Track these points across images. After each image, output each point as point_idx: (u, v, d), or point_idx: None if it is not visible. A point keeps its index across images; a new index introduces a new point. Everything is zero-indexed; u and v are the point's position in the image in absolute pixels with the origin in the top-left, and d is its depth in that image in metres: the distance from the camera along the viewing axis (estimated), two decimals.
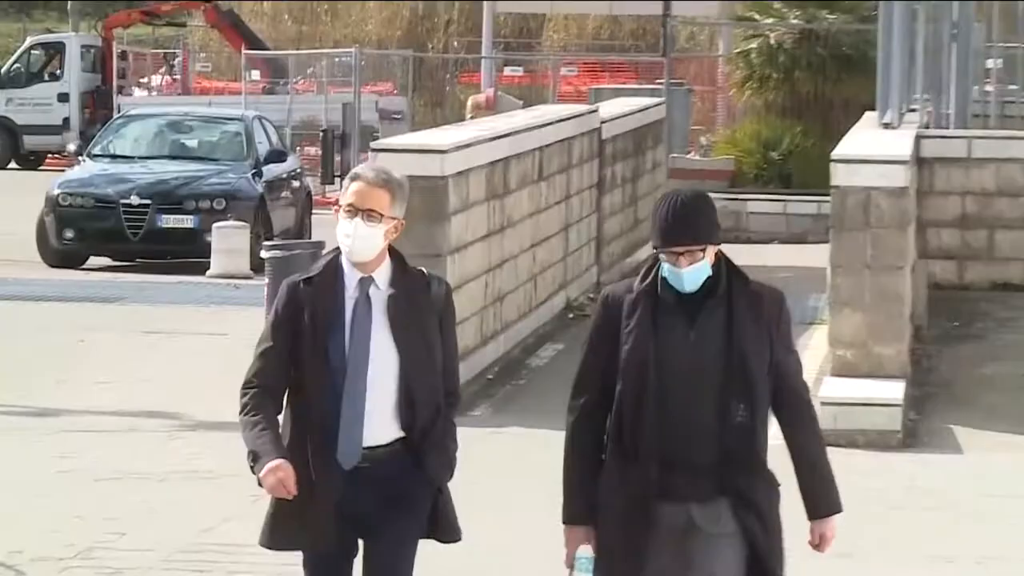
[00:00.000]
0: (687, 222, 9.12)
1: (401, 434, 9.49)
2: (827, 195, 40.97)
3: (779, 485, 9.30)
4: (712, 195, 32.41)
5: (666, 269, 9.17)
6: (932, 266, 26.01)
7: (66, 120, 63.20)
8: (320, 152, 47.84)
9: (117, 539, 15.76)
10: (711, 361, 9.17)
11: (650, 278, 9.27)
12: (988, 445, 20.70)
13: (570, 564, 9.19)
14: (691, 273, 9.13)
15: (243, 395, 9.54)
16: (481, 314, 25.15)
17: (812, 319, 30.30)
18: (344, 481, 9.40)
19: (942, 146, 27.47)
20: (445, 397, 9.84)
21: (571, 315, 30.03)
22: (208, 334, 28.20)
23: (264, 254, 27.21)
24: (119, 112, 54.58)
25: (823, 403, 20.55)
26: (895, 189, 22.77)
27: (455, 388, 10.01)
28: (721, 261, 9.37)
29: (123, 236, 38.58)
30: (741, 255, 39.00)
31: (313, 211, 43.07)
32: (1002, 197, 27.33)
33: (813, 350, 25.73)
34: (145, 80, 64.25)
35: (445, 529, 9.56)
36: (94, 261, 38.66)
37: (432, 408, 9.64)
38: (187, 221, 38.23)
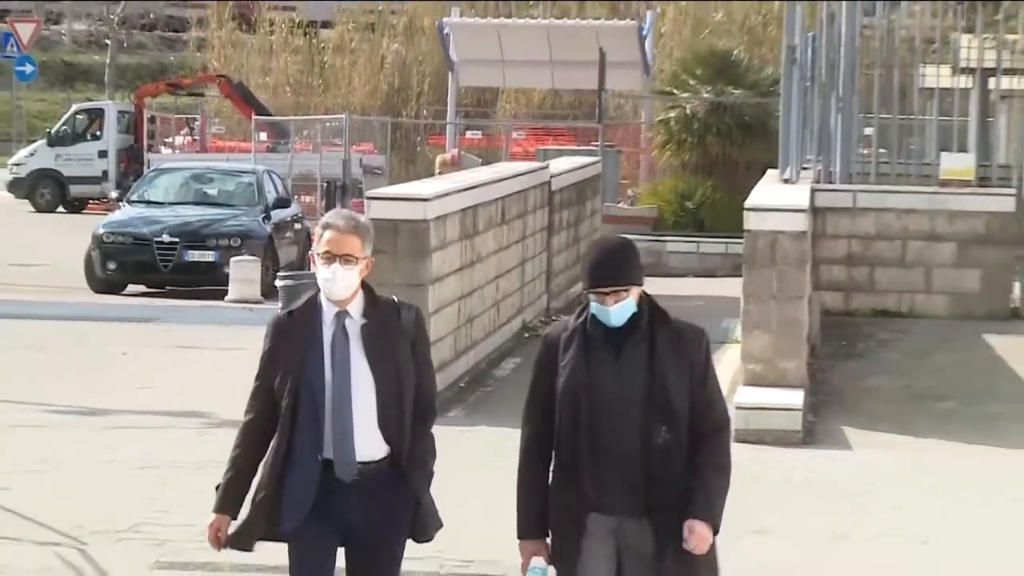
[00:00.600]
0: (613, 266, 9.18)
1: (387, 450, 9.36)
2: (733, 237, 41.64)
3: None
4: (636, 237, 32.48)
5: (595, 307, 9.22)
6: (824, 296, 26.17)
7: (105, 172, 63.09)
8: (317, 199, 47.62)
9: (161, 516, 15.75)
10: (636, 389, 9.15)
11: (582, 317, 9.33)
12: (872, 443, 20.71)
13: (525, 572, 9.23)
14: (617, 311, 9.17)
15: (240, 429, 9.55)
16: (455, 333, 25.32)
17: (724, 339, 29.64)
18: (338, 492, 9.32)
19: (832, 198, 27.66)
20: (424, 413, 9.65)
21: (527, 335, 29.99)
22: (228, 348, 27.81)
23: (278, 283, 27.66)
24: (149, 167, 54.73)
25: (737, 407, 20.65)
26: (796, 233, 22.87)
27: (432, 403, 9.79)
28: (645, 301, 9.42)
29: (156, 268, 38.82)
30: (661, 286, 39.20)
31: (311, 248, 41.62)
32: (880, 240, 27.49)
33: (727, 364, 25.64)
34: (170, 140, 64.04)
35: (422, 531, 9.46)
36: (131, 289, 38.61)
37: (405, 425, 9.48)
38: (209, 256, 38.32)
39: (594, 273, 9.19)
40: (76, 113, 67.23)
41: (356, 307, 9.42)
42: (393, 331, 9.42)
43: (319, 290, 9.50)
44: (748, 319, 24.17)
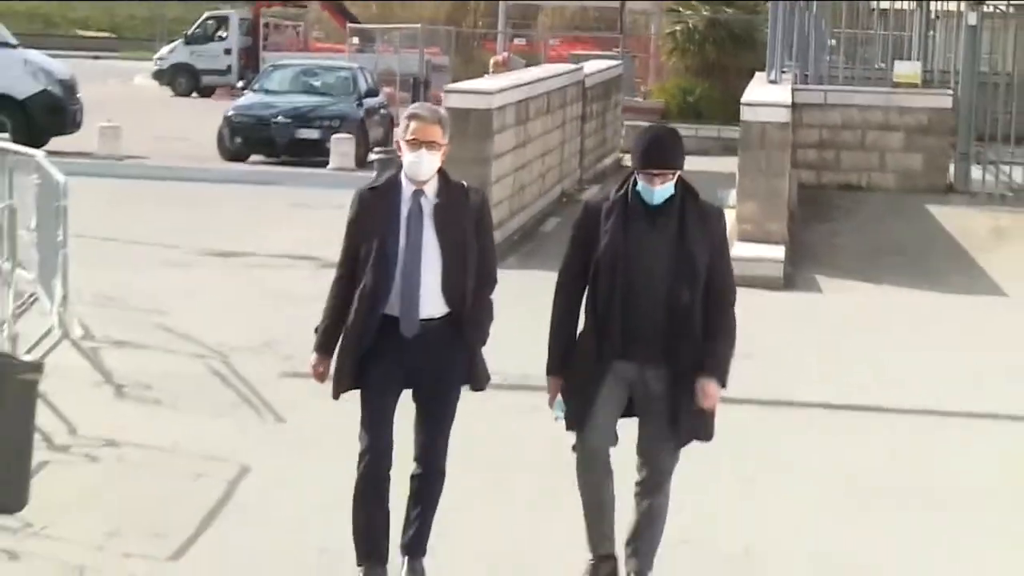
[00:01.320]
0: (663, 151, 8.84)
1: (447, 310, 9.08)
2: (724, 125, 41.51)
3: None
4: (644, 123, 32.59)
5: (641, 186, 8.96)
6: (800, 173, 26.02)
7: (229, 67, 63.25)
8: (397, 91, 47.07)
9: (287, 336, 16.01)
10: (665, 255, 8.86)
11: (623, 191, 9.04)
12: (840, 288, 20.73)
13: (551, 405, 9.10)
14: (661, 191, 8.88)
15: (335, 276, 9.36)
16: (510, 199, 25.13)
17: (720, 205, 29.12)
18: (402, 345, 9.05)
19: (807, 96, 27.44)
20: (484, 281, 9.34)
21: (564, 199, 29.79)
22: (332, 207, 26.21)
23: (372, 156, 27.64)
24: (264, 63, 54.49)
25: (732, 259, 20.69)
26: (781, 123, 22.91)
27: (492, 273, 9.46)
28: (679, 182, 9.06)
29: (273, 143, 38.65)
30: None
31: (394, 129, 41.55)
32: (845, 129, 27.42)
33: None
34: (279, 41, 63.65)
35: (477, 380, 9.22)
36: (253, 158, 38.25)
37: (467, 290, 9.16)
38: (314, 134, 38.05)
39: (647, 155, 8.86)
40: (207, 19, 67.23)
41: (431, 188, 9.11)
42: (461, 210, 9.14)
43: (400, 169, 9.19)
44: (742, 190, 24.21)
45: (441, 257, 9.03)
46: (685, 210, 8.94)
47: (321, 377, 9.32)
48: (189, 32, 66.18)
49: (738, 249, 21.76)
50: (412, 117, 9.16)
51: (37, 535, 10.50)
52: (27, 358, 11.37)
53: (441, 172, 9.20)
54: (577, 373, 9.06)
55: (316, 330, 9.33)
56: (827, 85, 28.62)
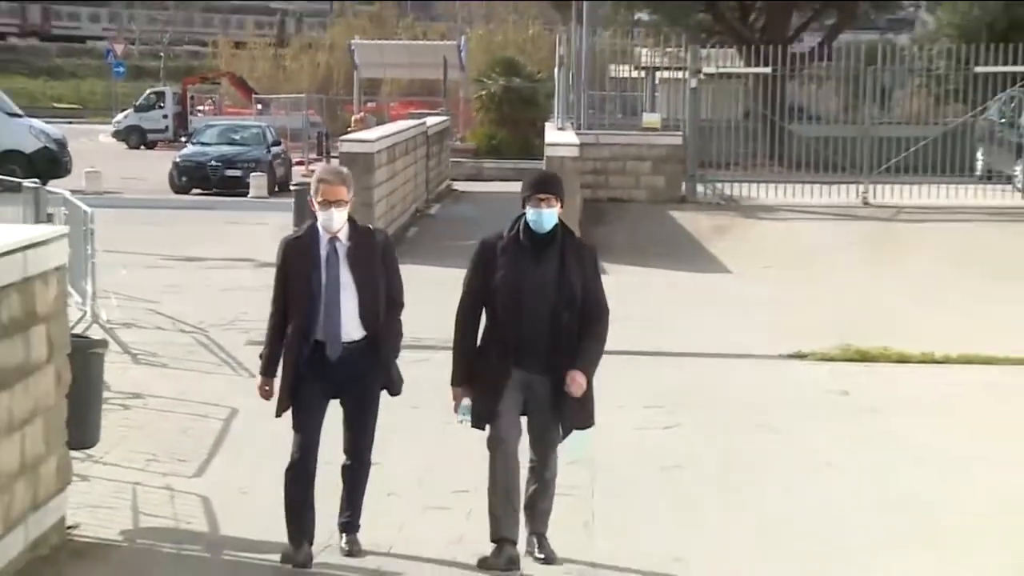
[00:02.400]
0: (548, 183, 8.48)
1: (365, 333, 8.50)
2: (518, 159, 41.45)
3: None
4: (464, 159, 32.85)
5: (531, 213, 8.40)
6: (583, 191, 25.11)
7: (167, 127, 62.78)
8: (287, 141, 46.48)
9: (244, 315, 16.26)
10: (550, 283, 8.34)
11: (515, 230, 8.48)
12: (619, 270, 20.20)
13: (456, 411, 8.59)
14: (548, 214, 8.34)
15: (270, 312, 8.74)
16: (385, 215, 24.49)
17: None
18: (328, 365, 8.47)
19: (585, 137, 26.71)
20: (393, 305, 8.71)
21: (417, 214, 29.74)
22: (255, 224, 27.08)
23: (292, 187, 25.48)
24: (191, 125, 55.27)
25: None
26: (574, 157, 22.86)
27: (399, 299, 8.76)
28: (559, 225, 8.51)
29: (208, 179, 38.40)
30: (481, 186, 38.62)
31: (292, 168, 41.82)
32: (611, 160, 27.27)
33: None
34: (201, 108, 63.15)
35: (394, 385, 8.64)
36: (194, 192, 38.03)
37: (379, 315, 8.56)
38: (238, 173, 37.94)
39: (536, 185, 8.45)
40: (150, 94, 66.38)
41: (343, 233, 8.53)
42: (369, 249, 8.56)
43: (315, 221, 8.61)
44: None
45: (356, 290, 8.49)
46: (564, 246, 8.45)
47: (267, 395, 8.72)
48: (137, 103, 65.40)
49: None
50: (321, 181, 8.61)
51: (98, 463, 10.53)
52: (98, 338, 11.25)
53: (350, 219, 8.66)
54: (481, 380, 8.55)
55: (260, 356, 8.79)
56: (598, 130, 28.57)
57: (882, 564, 8.89)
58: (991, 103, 28.90)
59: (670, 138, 28.12)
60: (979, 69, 28.02)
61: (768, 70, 28.61)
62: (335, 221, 8.44)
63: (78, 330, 12.78)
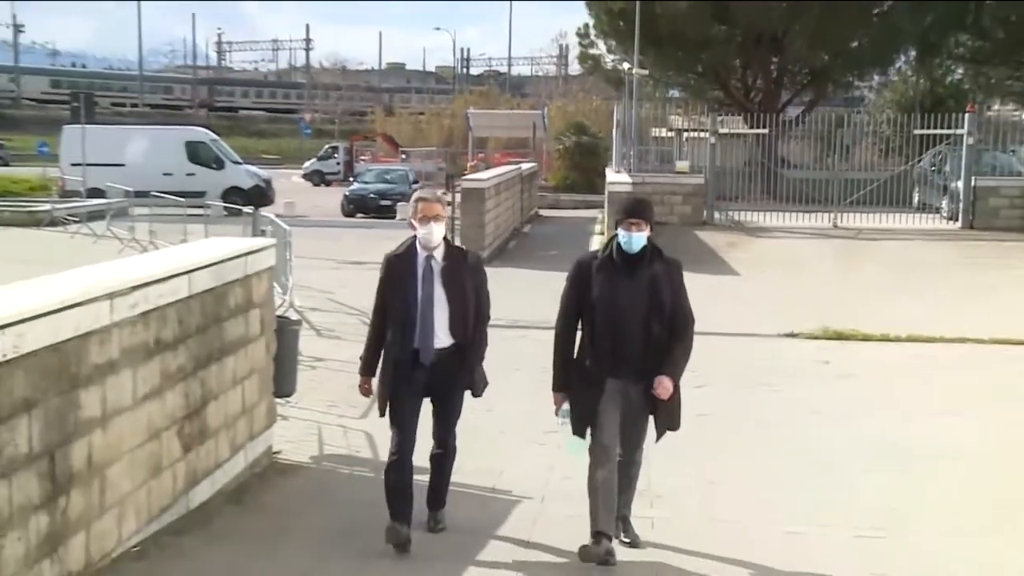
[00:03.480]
0: (640, 207, 7.05)
1: (452, 341, 7.14)
2: (585, 194, 40.98)
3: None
4: (546, 193, 32.23)
5: (622, 235, 6.98)
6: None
7: (339, 171, 62.01)
8: (423, 180, 46.38)
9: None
10: (642, 297, 6.94)
11: (608, 250, 7.06)
12: None
13: (557, 414, 7.09)
14: (638, 237, 6.94)
15: (371, 320, 7.37)
16: (493, 233, 23.76)
17: (591, 231, 29.02)
18: (421, 368, 7.09)
19: (635, 178, 26.13)
20: (481, 320, 7.30)
21: (515, 231, 29.30)
22: (401, 239, 26.24)
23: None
24: (356, 169, 54.15)
25: None
26: (628, 192, 22.49)
27: (486, 313, 7.36)
28: (649, 241, 7.09)
29: (368, 207, 37.79)
30: (557, 212, 37.90)
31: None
32: (653, 194, 25.91)
33: (596, 245, 25.59)
34: (363, 157, 62.79)
35: (476, 387, 7.27)
36: (359, 216, 37.52)
37: (468, 327, 7.17)
38: (389, 203, 37.41)
39: (628, 209, 7.08)
40: (328, 147, 66.66)
41: (439, 252, 7.16)
42: (462, 269, 7.19)
43: (415, 239, 7.21)
44: (608, 225, 23.55)
45: (447, 303, 7.12)
46: (654, 264, 7.01)
47: (366, 392, 7.50)
48: (319, 154, 65.60)
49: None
50: (419, 200, 7.32)
51: (294, 407, 10.38)
52: (294, 318, 11.14)
53: (446, 240, 7.30)
54: (580, 388, 7.07)
55: (360, 358, 7.45)
56: (643, 173, 28.13)
57: (861, 480, 8.79)
58: (924, 156, 29.05)
59: (695, 179, 27.79)
60: (916, 132, 28.15)
61: (765, 131, 28.51)
62: (435, 235, 7.11)
63: (280, 312, 12.69)
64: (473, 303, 7.15)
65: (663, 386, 6.86)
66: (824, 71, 40.79)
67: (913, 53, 42.12)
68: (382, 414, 7.17)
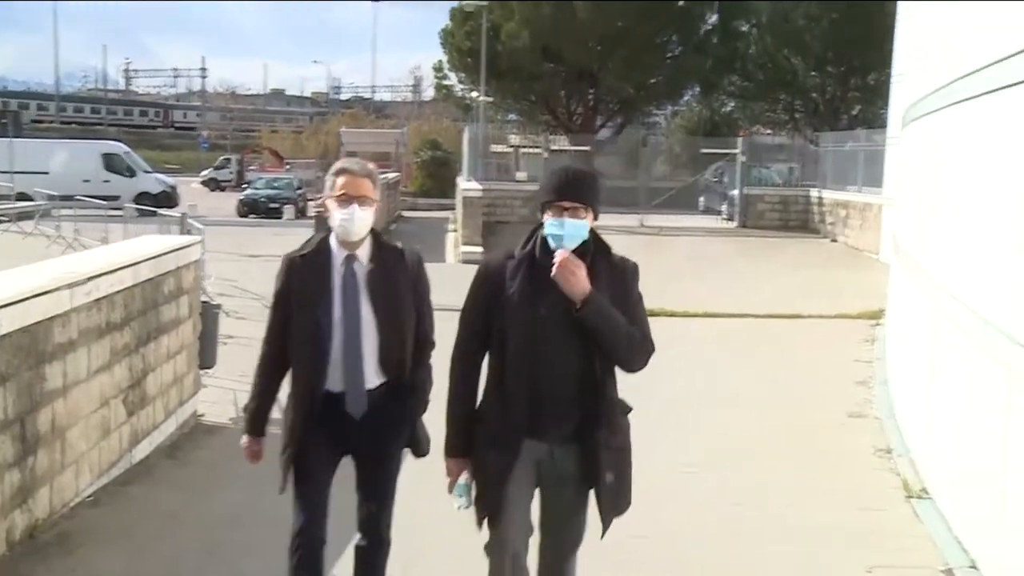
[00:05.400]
0: (576, 184, 3.85)
1: (384, 380, 4.15)
2: (439, 198, 40.70)
3: (629, 410, 3.97)
4: (405, 198, 31.49)
5: (551, 224, 3.81)
6: (484, 216, 24.04)
7: (231, 180, 59.85)
8: (307, 187, 45.54)
9: None
10: (576, 321, 3.77)
11: (529, 246, 3.93)
12: None
13: (451, 490, 3.97)
14: (573, 227, 3.76)
15: (261, 352, 4.29)
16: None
17: (446, 229, 28.58)
18: (342, 421, 4.10)
19: (484, 184, 25.84)
20: (422, 346, 4.26)
21: (390, 229, 28.99)
22: (289, 236, 24.14)
23: (311, 212, 24.99)
24: (246, 177, 53.23)
25: (463, 255, 20.25)
26: (479, 197, 22.50)
27: (428, 338, 4.32)
28: (592, 237, 3.89)
29: (259, 208, 36.57)
30: (415, 213, 37.45)
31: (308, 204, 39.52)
32: (497, 199, 26.26)
33: (452, 239, 25.41)
34: (252, 167, 60.79)
35: (418, 445, 4.30)
36: (251, 216, 36.37)
37: (405, 358, 4.16)
38: (277, 205, 36.72)
39: (561, 187, 3.83)
40: (223, 159, 64.77)
41: (364, 252, 4.17)
42: (397, 275, 4.18)
43: (328, 232, 4.21)
44: (464, 225, 23.36)
45: (377, 326, 4.11)
46: (597, 267, 3.83)
47: (256, 456, 4.37)
48: (215, 165, 63.69)
49: (465, 248, 21.52)
50: (341, 172, 4.18)
51: (214, 377, 9.91)
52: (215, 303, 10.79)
53: (374, 234, 4.23)
54: (484, 456, 3.91)
55: (245, 409, 4.43)
56: (490, 182, 28.15)
57: (712, 414, 8.94)
58: (708, 170, 29.90)
59: (532, 186, 28.02)
60: (702, 151, 29.02)
61: (587, 148, 28.97)
62: (356, 224, 4.05)
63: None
64: (413, 323, 4.15)
65: (565, 265, 3.65)
66: (630, 101, 41.61)
67: (698, 89, 43.34)
68: (283, 489, 4.19)
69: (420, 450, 4.30)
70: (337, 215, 4.01)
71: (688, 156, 31.07)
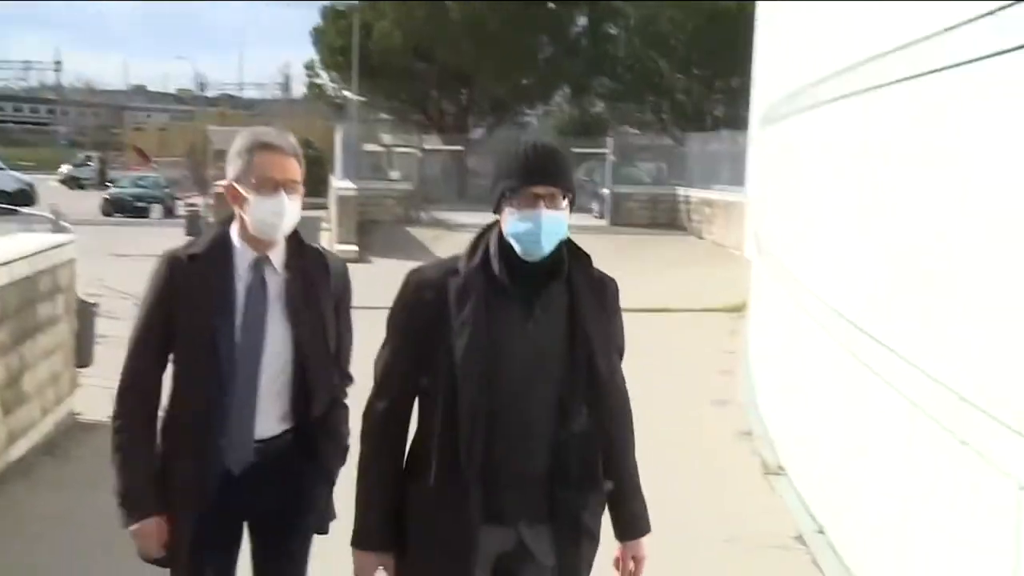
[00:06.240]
0: (555, 162, 2.41)
1: (290, 424, 2.81)
2: (312, 197, 40.17)
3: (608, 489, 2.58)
4: None
5: (516, 223, 2.40)
6: (362, 215, 23.69)
7: (92, 178, 57.83)
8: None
9: None
10: (552, 356, 2.41)
11: (480, 256, 2.47)
12: (380, 260, 19.52)
13: None
14: (552, 220, 2.36)
15: (117, 404, 2.90)
16: None
17: (319, 227, 28.31)
18: (226, 480, 2.76)
19: (358, 184, 25.40)
20: (343, 381, 3.01)
21: None
22: (157, 235, 23.78)
23: (181, 211, 24.21)
24: (108, 176, 52.12)
25: (340, 253, 20.15)
26: (353, 196, 22.44)
27: (347, 371, 3.04)
28: (566, 245, 2.51)
29: (125, 208, 35.82)
30: None
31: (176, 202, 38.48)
32: (371, 198, 25.88)
33: (327, 236, 25.31)
34: (115, 165, 59.58)
35: (325, 520, 2.92)
36: (116, 215, 35.29)
37: (327, 396, 2.86)
38: (143, 204, 35.97)
39: (530, 166, 2.39)
40: (84, 156, 63.45)
41: (278, 255, 2.85)
42: (319, 287, 2.86)
43: (225, 227, 2.87)
44: (338, 224, 23.09)
45: (293, 355, 2.78)
46: (574, 284, 2.49)
47: (152, 547, 2.86)
48: (75, 162, 61.92)
49: (340, 247, 21.43)
50: (261, 147, 2.79)
51: (90, 375, 9.81)
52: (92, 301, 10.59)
53: (292, 233, 2.90)
54: (418, 556, 2.44)
55: (121, 490, 2.84)
56: (365, 181, 27.91)
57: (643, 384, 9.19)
58: (579, 169, 30.46)
59: (405, 185, 28.18)
60: (573, 150, 29.45)
61: (460, 148, 29.20)
62: (288, 218, 2.84)
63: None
64: (334, 348, 2.96)
65: (640, 560, 2.70)
66: (503, 101, 42.05)
67: (569, 90, 44.12)
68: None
69: (322, 524, 2.97)
70: (260, 207, 2.79)
71: None
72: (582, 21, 41.09)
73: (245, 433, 2.80)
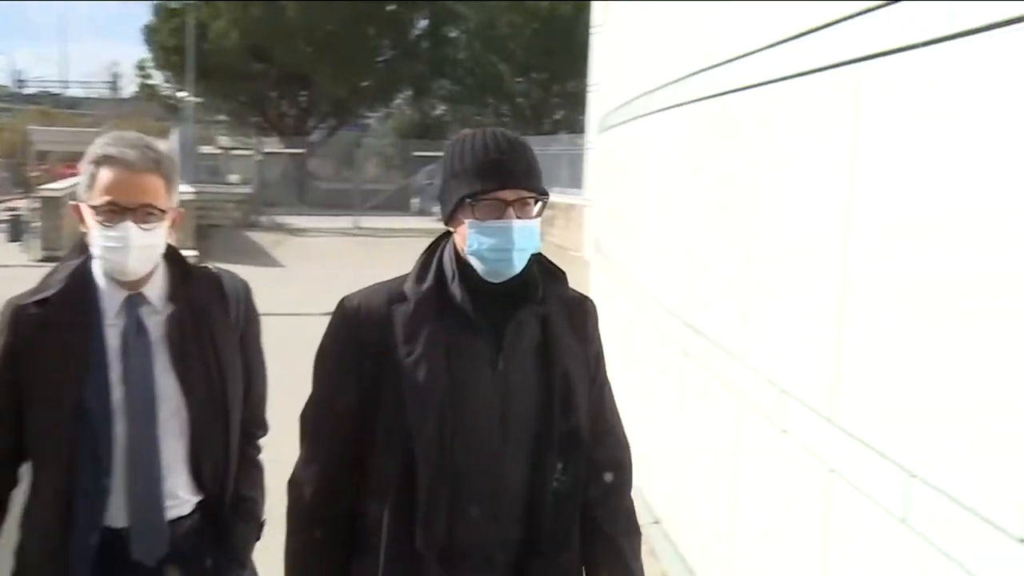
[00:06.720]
0: (524, 159, 1.82)
1: (199, 496, 2.14)
2: None
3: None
4: None
5: (480, 235, 1.83)
6: (206, 220, 22.61)
7: None
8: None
9: None
10: (524, 400, 1.85)
11: (432, 279, 1.93)
12: (222, 268, 19.32)
13: None
14: (524, 231, 1.80)
15: None
16: (71, 237, 20.10)
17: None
18: (127, 567, 2.04)
19: (195, 187, 24.01)
20: (250, 431, 2.31)
21: None
22: None
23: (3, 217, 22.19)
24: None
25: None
26: (190, 200, 21.44)
27: (261, 417, 2.35)
28: (538, 260, 1.98)
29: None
30: None
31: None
32: (210, 201, 24.63)
33: None
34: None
35: None
36: None
37: (231, 459, 2.19)
38: None
39: (494, 165, 1.79)
40: None
41: (157, 287, 2.17)
42: (215, 319, 2.20)
43: (87, 260, 2.12)
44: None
45: (189, 411, 2.10)
46: (549, 307, 1.95)
47: None
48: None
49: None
50: (105, 161, 2.08)
51: None
52: None
53: (172, 255, 2.25)
54: None
55: None
56: (202, 184, 27.09)
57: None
58: (421, 172, 30.64)
59: (245, 188, 27.59)
60: (414, 153, 29.71)
61: (301, 150, 28.81)
62: (134, 254, 2.10)
63: None
64: (241, 401, 2.33)
65: None
66: (343, 103, 41.65)
67: (410, 92, 44.14)
68: None
69: None
70: (100, 237, 2.16)
71: (401, 158, 31.61)
72: (422, 23, 41.14)
73: (154, 516, 2.12)
